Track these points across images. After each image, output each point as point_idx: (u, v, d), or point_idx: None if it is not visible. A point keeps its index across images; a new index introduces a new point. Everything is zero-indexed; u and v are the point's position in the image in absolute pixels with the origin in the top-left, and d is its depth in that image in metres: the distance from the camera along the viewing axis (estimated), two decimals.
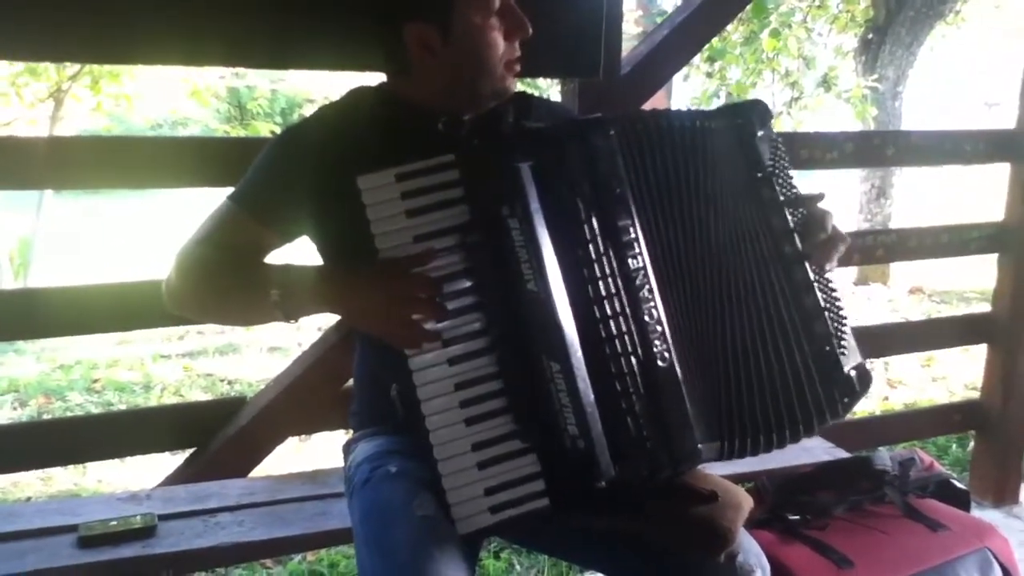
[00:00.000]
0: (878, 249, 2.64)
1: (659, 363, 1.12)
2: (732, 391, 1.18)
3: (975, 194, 6.74)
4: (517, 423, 1.11)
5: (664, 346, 1.12)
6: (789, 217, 1.22)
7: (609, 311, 1.11)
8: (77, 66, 5.50)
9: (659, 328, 1.13)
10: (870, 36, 6.71)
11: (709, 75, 6.59)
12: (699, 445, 1.14)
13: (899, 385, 4.39)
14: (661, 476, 1.14)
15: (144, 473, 3.04)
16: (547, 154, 1.12)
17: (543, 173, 1.11)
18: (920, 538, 1.63)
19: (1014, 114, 2.71)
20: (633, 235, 1.13)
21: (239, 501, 1.69)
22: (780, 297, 1.21)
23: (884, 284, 6.84)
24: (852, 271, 6.75)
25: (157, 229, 6.65)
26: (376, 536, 1.17)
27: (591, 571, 1.90)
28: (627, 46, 2.13)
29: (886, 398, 4.20)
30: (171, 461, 2.29)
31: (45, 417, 3.90)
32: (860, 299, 6.40)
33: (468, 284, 1.12)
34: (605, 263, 1.11)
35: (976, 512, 1.86)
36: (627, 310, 1.11)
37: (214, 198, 1.35)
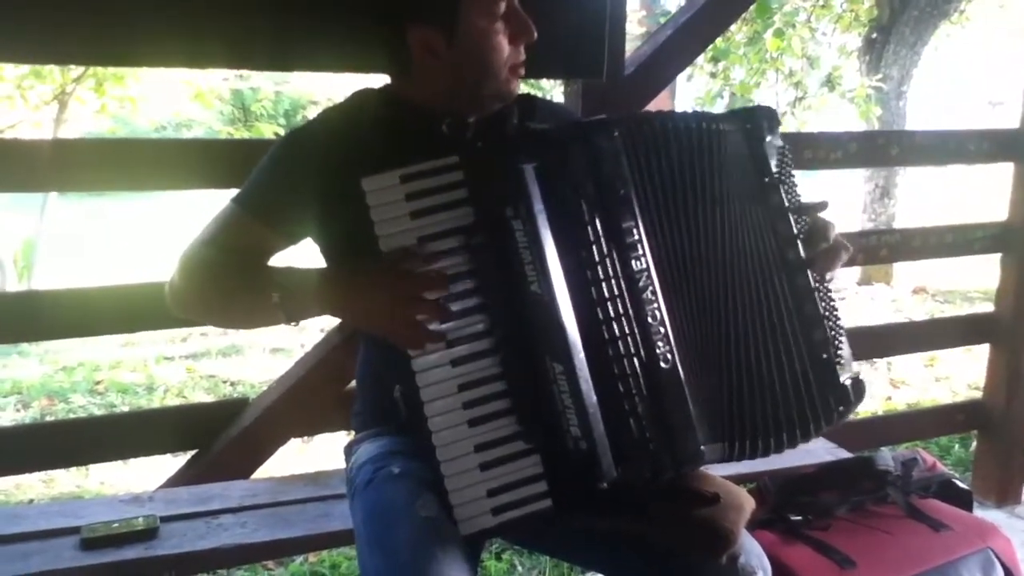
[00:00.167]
0: (882, 249, 2.64)
1: (662, 365, 1.12)
2: (735, 393, 1.18)
3: (979, 194, 6.74)
4: (520, 424, 1.11)
5: (667, 348, 1.12)
6: (794, 224, 1.22)
7: (612, 312, 1.11)
8: (81, 68, 5.51)
9: (662, 330, 1.13)
10: (874, 36, 6.70)
11: (713, 75, 6.60)
12: (702, 447, 1.14)
13: (902, 385, 4.39)
14: (663, 477, 1.14)
15: (146, 475, 3.04)
16: (551, 155, 1.12)
17: (547, 174, 1.11)
18: (923, 538, 1.63)
19: (1018, 113, 2.70)
20: (637, 237, 1.13)
21: (241, 503, 1.69)
22: (782, 302, 1.21)
23: (888, 284, 6.83)
24: (856, 271, 6.74)
25: (161, 231, 6.66)
26: (378, 537, 1.17)
27: (593, 572, 1.90)
28: (631, 46, 2.13)
29: (889, 398, 4.20)
30: (173, 463, 2.29)
31: (48, 419, 3.91)
32: (864, 299, 6.39)
33: (472, 285, 1.12)
34: (608, 265, 1.11)
35: (979, 512, 1.86)
36: (630, 312, 1.11)
37: (218, 200, 1.35)
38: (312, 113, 1.99)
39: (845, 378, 1.22)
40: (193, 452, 2.01)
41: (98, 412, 4.04)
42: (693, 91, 7.29)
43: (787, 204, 1.22)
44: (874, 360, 4.52)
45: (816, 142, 2.42)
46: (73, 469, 3.26)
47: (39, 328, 1.85)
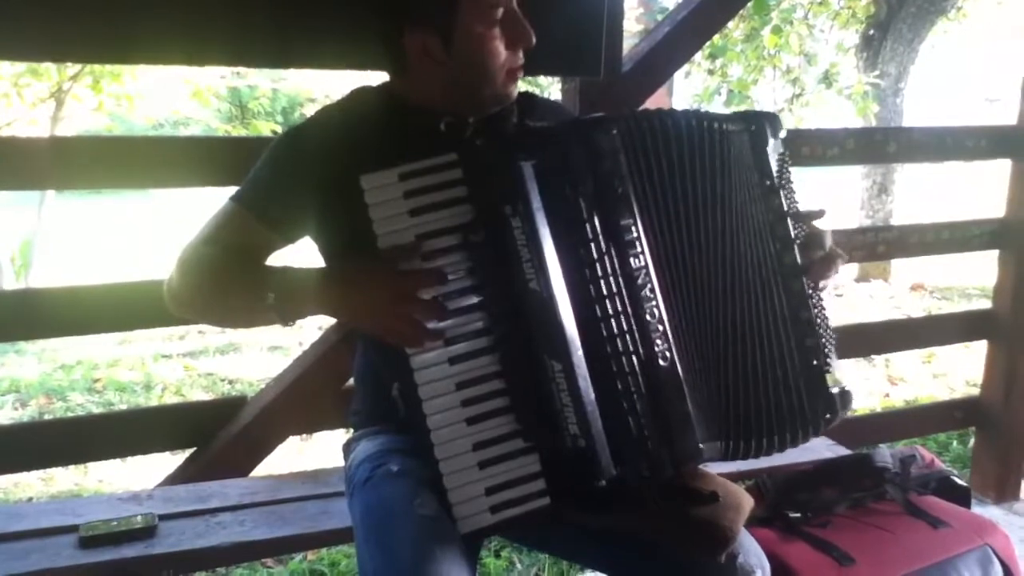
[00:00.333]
0: (879, 245, 2.64)
1: (660, 362, 1.12)
2: (732, 392, 1.18)
3: (976, 190, 6.74)
4: (518, 422, 1.11)
5: (665, 345, 1.12)
6: (792, 229, 1.22)
7: (610, 310, 1.11)
8: (78, 66, 5.50)
9: (660, 327, 1.13)
10: (871, 32, 6.71)
11: (710, 72, 6.60)
12: (700, 445, 1.14)
13: (900, 382, 4.40)
14: (662, 475, 1.14)
15: (145, 473, 3.05)
16: (549, 153, 1.12)
17: (545, 172, 1.11)
18: (921, 535, 1.63)
19: (1015, 110, 2.70)
20: (635, 234, 1.13)
21: (240, 501, 1.69)
22: (778, 305, 1.21)
23: (885, 280, 6.83)
24: (853, 268, 6.75)
25: (158, 229, 6.66)
26: (377, 535, 1.16)
27: (591, 570, 1.90)
28: (628, 44, 2.13)
29: (887, 395, 4.20)
30: (172, 461, 2.30)
31: (46, 417, 3.91)
32: (861, 296, 6.40)
33: (470, 283, 1.12)
34: (607, 262, 1.11)
35: (977, 509, 1.86)
36: (628, 309, 1.11)
37: (216, 198, 1.35)
38: (309, 110, 1.98)
39: (833, 386, 1.22)
40: (191, 450, 2.01)
41: (96, 410, 4.04)
42: (691, 88, 7.30)
43: (786, 209, 1.23)
44: (872, 357, 4.52)
45: (814, 139, 2.42)
46: (71, 467, 3.26)
47: (37, 326, 1.85)
